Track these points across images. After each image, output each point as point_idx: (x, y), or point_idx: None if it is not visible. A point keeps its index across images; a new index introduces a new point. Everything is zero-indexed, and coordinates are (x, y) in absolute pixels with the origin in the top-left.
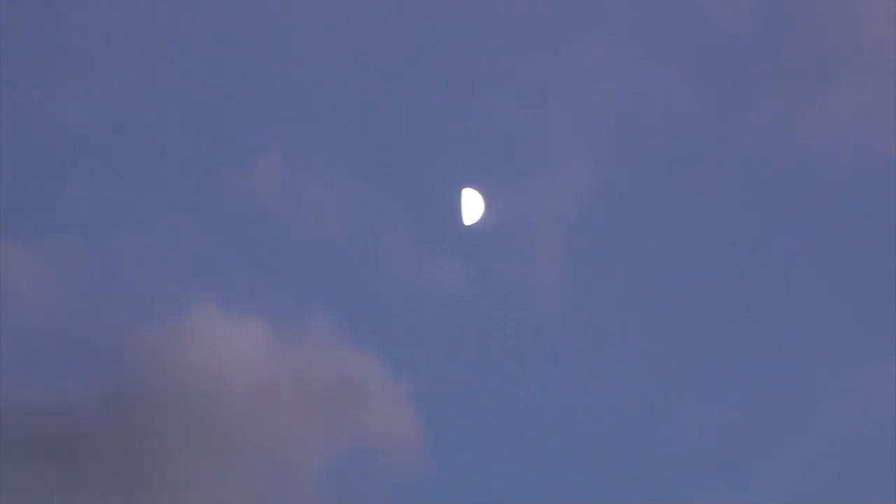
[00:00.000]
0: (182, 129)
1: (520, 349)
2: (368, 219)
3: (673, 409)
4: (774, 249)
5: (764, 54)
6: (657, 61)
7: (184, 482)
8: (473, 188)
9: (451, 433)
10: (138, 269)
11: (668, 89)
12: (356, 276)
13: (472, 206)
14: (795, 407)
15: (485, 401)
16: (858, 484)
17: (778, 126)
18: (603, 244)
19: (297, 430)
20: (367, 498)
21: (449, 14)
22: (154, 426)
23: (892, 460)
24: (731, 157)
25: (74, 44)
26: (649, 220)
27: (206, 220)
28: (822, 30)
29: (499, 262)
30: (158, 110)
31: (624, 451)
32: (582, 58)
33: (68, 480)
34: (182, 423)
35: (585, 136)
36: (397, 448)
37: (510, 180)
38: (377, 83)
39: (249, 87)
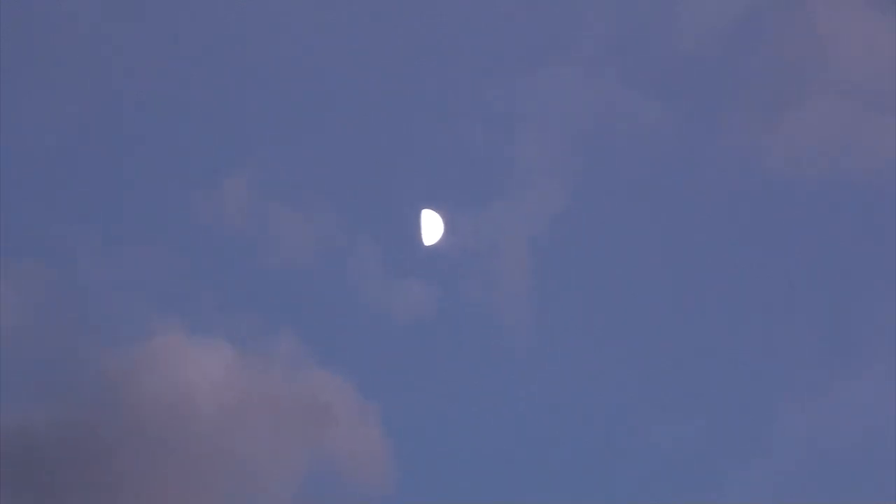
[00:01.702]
0: (147, 154)
1: (486, 369)
2: (334, 242)
3: (641, 422)
4: (741, 266)
5: (729, 77)
6: (623, 84)
7: (153, 502)
8: (437, 209)
9: (418, 453)
10: (104, 293)
11: (634, 111)
12: (322, 299)
13: (432, 227)
14: (763, 417)
15: (451, 421)
16: (826, 490)
17: (743, 146)
18: (568, 264)
19: (266, 452)
20: None
21: (417, 38)
22: (121, 450)
23: (859, 467)
24: (697, 178)
25: (40, 72)
26: (615, 239)
27: (172, 244)
28: (787, 52)
29: (465, 283)
30: (123, 136)
31: (593, 465)
32: (549, 81)
33: (34, 502)
34: (149, 446)
35: (552, 158)
36: (365, 468)
37: (476, 202)
38: (343, 106)
39: (214, 111)
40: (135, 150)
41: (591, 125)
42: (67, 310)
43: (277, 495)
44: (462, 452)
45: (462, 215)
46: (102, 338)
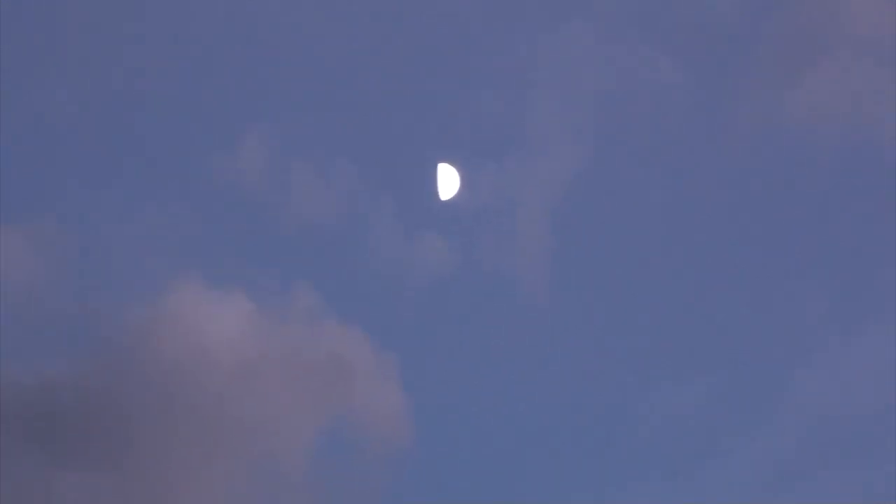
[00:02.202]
0: (166, 111)
1: (502, 324)
2: (352, 196)
3: (650, 384)
4: (757, 229)
5: (749, 35)
6: (643, 44)
7: (170, 459)
8: (455, 165)
9: (435, 407)
10: (123, 249)
11: (653, 71)
12: (340, 253)
13: (449, 181)
14: (770, 384)
15: (468, 375)
16: (832, 458)
17: (763, 105)
18: (586, 223)
19: (284, 405)
20: (353, 469)
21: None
22: (140, 404)
23: (866, 435)
24: (716, 138)
25: (61, 34)
26: (633, 199)
27: (190, 200)
28: (806, 10)
29: (482, 238)
30: (142, 93)
31: (604, 425)
32: (568, 40)
33: (54, 457)
34: (168, 400)
35: (571, 117)
36: (383, 422)
37: (495, 158)
38: (361, 64)
39: (233, 70)
40: (154, 108)
41: (610, 84)
42: (87, 266)
43: (297, 449)
44: (477, 406)
45: (480, 171)
46: (122, 293)
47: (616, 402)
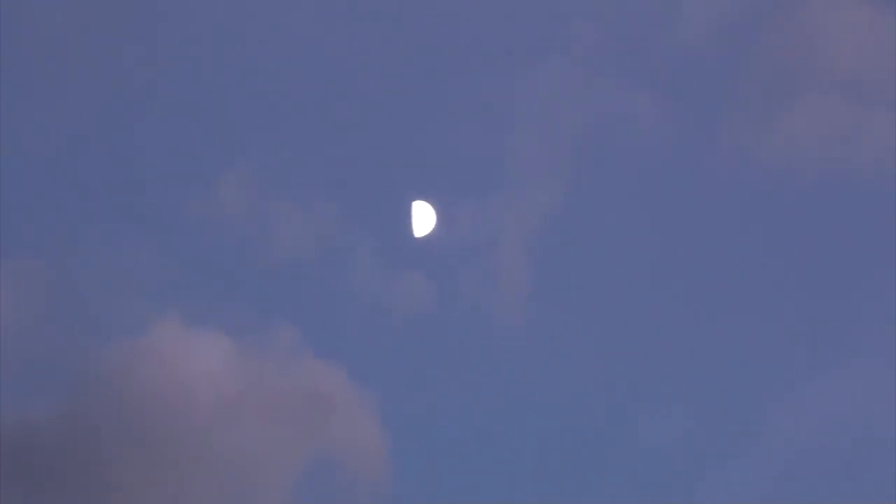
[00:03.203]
0: (145, 150)
1: (482, 361)
2: (330, 234)
3: (630, 417)
4: (735, 263)
5: (727, 73)
6: (621, 81)
7: (150, 495)
8: (434, 203)
9: (415, 444)
10: (102, 289)
11: (630, 108)
12: (319, 290)
13: (424, 218)
14: (751, 415)
15: (448, 412)
16: (815, 487)
17: (742, 143)
18: (565, 260)
19: (264, 442)
20: None
21: (415, 34)
22: (119, 442)
23: (848, 464)
24: (693, 174)
25: (38, 70)
26: (611, 236)
27: (168, 239)
28: (783, 49)
29: (461, 276)
30: (119, 131)
31: (584, 460)
32: (546, 78)
33: (35, 496)
34: (148, 438)
35: (548, 154)
36: (363, 460)
37: (474, 196)
38: (339, 101)
39: (210, 107)
40: (132, 147)
41: (587, 121)
42: (66, 305)
43: (276, 486)
44: (458, 444)
45: (459, 209)
46: (101, 332)
47: (595, 436)
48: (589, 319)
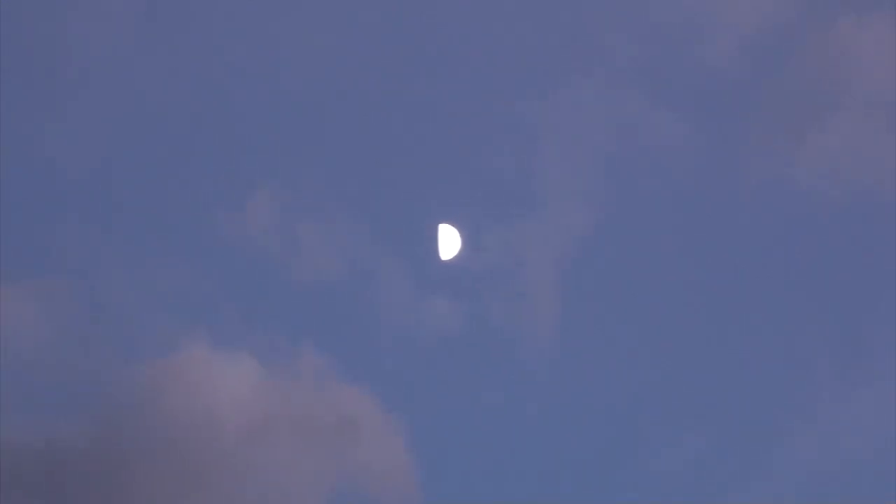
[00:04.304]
0: (174, 169)
1: (508, 385)
2: (359, 257)
3: (654, 440)
4: (761, 284)
5: (756, 94)
6: (650, 101)
7: None
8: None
9: (443, 469)
10: (130, 308)
11: (660, 129)
12: (347, 314)
13: (449, 242)
14: (768, 439)
15: (475, 436)
16: None
17: (770, 164)
18: (593, 283)
19: (291, 465)
20: None
21: (444, 54)
22: (145, 463)
23: (867, 488)
24: (723, 196)
25: (68, 89)
26: (640, 258)
27: (197, 259)
28: (812, 69)
29: (489, 299)
30: (149, 151)
31: (607, 480)
32: (574, 99)
33: None
34: (173, 459)
35: (577, 175)
36: (390, 484)
37: (502, 218)
38: (368, 123)
39: (241, 128)
40: (162, 166)
41: (616, 142)
42: (93, 325)
43: None
44: (484, 467)
45: (487, 231)
46: (128, 353)
47: (617, 458)
48: (616, 342)
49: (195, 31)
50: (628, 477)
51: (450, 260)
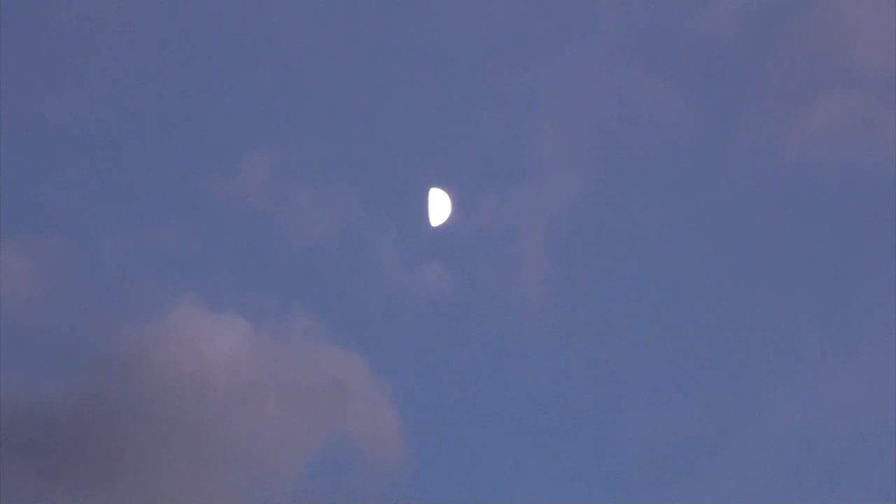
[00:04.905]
0: (169, 130)
1: (497, 348)
2: (351, 220)
3: (641, 406)
4: (751, 255)
5: (751, 67)
6: (645, 72)
7: (165, 478)
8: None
9: (431, 430)
10: (122, 268)
11: (655, 99)
12: (339, 276)
13: (440, 206)
14: (754, 404)
15: (463, 399)
16: (817, 483)
17: (764, 136)
18: (583, 251)
19: (280, 427)
20: (349, 493)
21: (438, 22)
22: (135, 422)
23: (853, 459)
24: (717, 167)
25: (64, 49)
26: (631, 225)
27: (189, 220)
28: (808, 44)
29: (481, 264)
30: (144, 112)
31: (593, 445)
32: (570, 67)
33: (49, 475)
34: (163, 419)
35: (571, 143)
36: (380, 446)
37: (495, 184)
38: (363, 87)
39: (235, 90)
40: (156, 127)
41: (609, 112)
42: (85, 285)
43: (292, 471)
44: (472, 429)
45: (480, 197)
46: (120, 312)
47: (605, 423)
48: (606, 309)
49: None
50: (616, 441)
51: (441, 224)
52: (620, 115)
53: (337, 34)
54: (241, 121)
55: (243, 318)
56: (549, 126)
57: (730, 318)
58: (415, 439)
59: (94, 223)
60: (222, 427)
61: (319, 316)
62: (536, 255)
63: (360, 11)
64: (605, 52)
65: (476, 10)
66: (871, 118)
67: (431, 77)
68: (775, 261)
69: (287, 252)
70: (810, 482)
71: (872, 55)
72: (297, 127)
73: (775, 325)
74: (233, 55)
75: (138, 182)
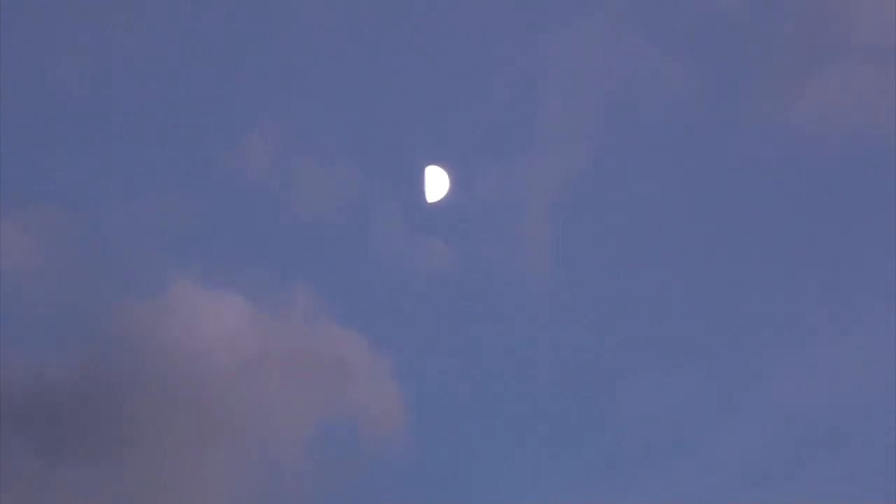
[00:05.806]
0: (171, 103)
1: (499, 324)
2: (354, 196)
3: (640, 379)
4: (757, 228)
5: (757, 37)
6: (650, 43)
7: (165, 455)
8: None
9: (432, 406)
10: (124, 241)
11: (660, 70)
12: (340, 252)
13: (437, 183)
14: (756, 377)
15: (464, 374)
16: (807, 458)
17: (769, 108)
18: (587, 224)
19: (281, 403)
20: (349, 469)
21: None
22: (135, 399)
23: (850, 432)
24: (721, 139)
25: (67, 19)
26: (634, 198)
27: (190, 195)
28: (814, 13)
29: (483, 238)
30: (148, 84)
31: (595, 418)
32: (575, 38)
33: (51, 452)
34: (164, 395)
35: (575, 115)
36: (380, 423)
37: (498, 157)
38: (365, 62)
39: (238, 64)
40: (158, 100)
41: (614, 83)
42: (85, 258)
43: (293, 447)
44: (473, 404)
45: (482, 170)
46: (120, 287)
47: (607, 395)
48: (609, 282)
49: None
50: (618, 413)
51: (442, 199)
52: (624, 86)
53: (338, 8)
54: (242, 94)
55: (243, 293)
56: (552, 98)
57: (733, 289)
58: (416, 415)
59: (94, 198)
60: (223, 403)
61: (320, 292)
62: (538, 228)
63: None
64: (611, 21)
65: None
66: (878, 90)
67: (434, 50)
68: (780, 232)
69: (288, 227)
70: (812, 453)
71: (880, 27)
72: (298, 102)
73: (779, 297)
74: (236, 29)
75: (139, 157)
